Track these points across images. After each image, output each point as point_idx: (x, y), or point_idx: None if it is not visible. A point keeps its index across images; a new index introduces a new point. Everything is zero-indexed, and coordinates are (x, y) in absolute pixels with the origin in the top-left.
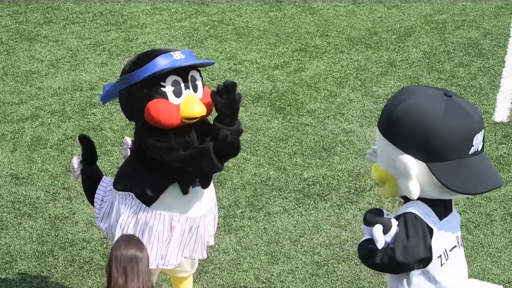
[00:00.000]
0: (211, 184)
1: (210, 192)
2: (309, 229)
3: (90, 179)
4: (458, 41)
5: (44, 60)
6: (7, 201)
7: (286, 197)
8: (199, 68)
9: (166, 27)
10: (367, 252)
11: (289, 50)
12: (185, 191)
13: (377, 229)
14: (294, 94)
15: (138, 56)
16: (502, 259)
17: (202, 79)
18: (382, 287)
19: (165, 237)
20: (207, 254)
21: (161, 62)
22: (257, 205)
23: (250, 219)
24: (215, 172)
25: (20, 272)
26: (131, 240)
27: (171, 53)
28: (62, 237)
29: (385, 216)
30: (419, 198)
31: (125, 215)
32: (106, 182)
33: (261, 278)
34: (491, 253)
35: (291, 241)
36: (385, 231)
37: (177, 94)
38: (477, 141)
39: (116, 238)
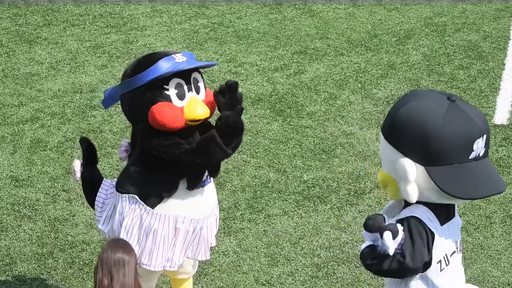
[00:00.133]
0: (213, 185)
1: (212, 193)
2: (309, 231)
3: (90, 181)
4: (458, 44)
5: (44, 62)
6: (7, 203)
7: (286, 199)
8: (200, 70)
9: (166, 30)
10: (373, 258)
11: (289, 53)
12: (191, 187)
13: (387, 235)
14: (294, 97)
15: (138, 60)
16: (502, 261)
17: (203, 81)
18: None
19: (170, 239)
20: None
21: (164, 65)
22: (257, 207)
23: (250, 221)
24: (225, 158)
25: (20, 274)
26: (119, 243)
27: (173, 55)
28: (62, 239)
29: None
30: (421, 203)
31: (129, 218)
32: (107, 184)
33: (261, 280)
34: (491, 255)
35: (291, 243)
36: (393, 237)
37: (181, 96)
38: (478, 146)
39: None
